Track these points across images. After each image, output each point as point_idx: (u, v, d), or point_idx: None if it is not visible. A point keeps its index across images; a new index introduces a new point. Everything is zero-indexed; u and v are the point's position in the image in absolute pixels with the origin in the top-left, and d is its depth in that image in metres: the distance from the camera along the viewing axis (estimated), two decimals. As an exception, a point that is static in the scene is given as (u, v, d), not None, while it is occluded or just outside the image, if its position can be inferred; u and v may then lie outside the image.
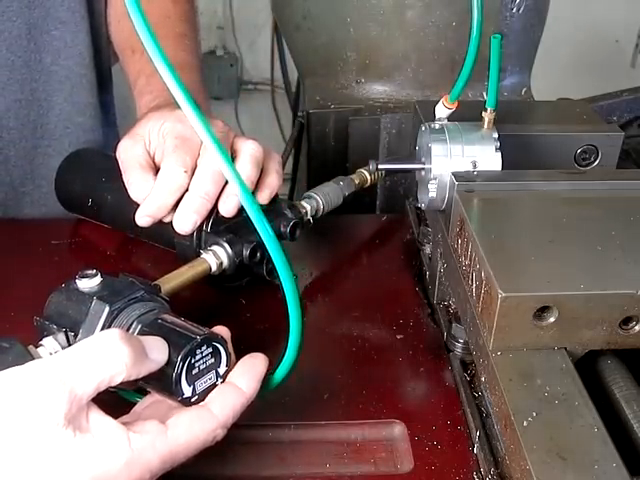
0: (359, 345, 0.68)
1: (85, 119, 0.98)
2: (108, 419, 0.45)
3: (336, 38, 1.15)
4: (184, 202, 0.68)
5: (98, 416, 0.44)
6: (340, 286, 0.79)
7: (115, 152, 0.74)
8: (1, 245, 0.82)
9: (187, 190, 0.68)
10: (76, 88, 0.95)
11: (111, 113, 1.08)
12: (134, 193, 0.71)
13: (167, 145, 0.70)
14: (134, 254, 0.82)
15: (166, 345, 0.48)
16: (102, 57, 1.01)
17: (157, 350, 0.48)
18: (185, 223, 0.68)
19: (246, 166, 0.69)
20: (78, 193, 0.83)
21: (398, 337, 0.69)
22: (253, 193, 0.70)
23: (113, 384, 0.45)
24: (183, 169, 0.68)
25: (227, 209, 0.68)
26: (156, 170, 0.71)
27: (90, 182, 0.82)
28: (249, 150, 0.70)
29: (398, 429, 0.59)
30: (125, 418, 0.50)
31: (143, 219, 0.70)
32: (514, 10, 1.09)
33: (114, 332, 0.46)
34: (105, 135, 1.03)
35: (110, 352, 0.45)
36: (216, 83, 2.60)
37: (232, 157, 0.69)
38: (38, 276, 0.76)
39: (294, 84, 2.06)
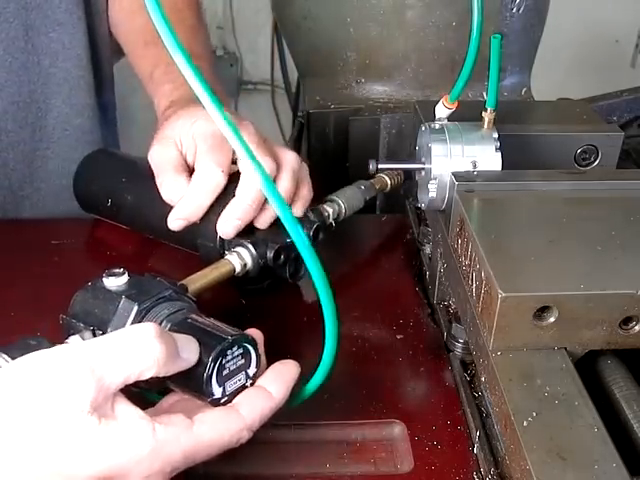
0: (359, 345, 0.68)
1: (84, 120, 0.97)
2: (134, 409, 0.45)
3: (336, 38, 1.14)
4: (231, 207, 0.67)
5: (124, 405, 0.44)
6: (340, 286, 0.78)
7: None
8: (1, 245, 0.82)
9: (224, 192, 0.68)
10: (74, 90, 0.95)
11: (111, 113, 1.08)
12: (166, 194, 0.70)
13: (201, 145, 0.69)
14: (137, 254, 0.82)
15: (197, 345, 0.48)
16: (101, 57, 1.00)
17: (188, 349, 0.48)
18: (229, 227, 0.67)
19: (288, 182, 0.69)
20: (97, 193, 0.82)
21: (398, 337, 0.69)
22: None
23: (142, 378, 0.45)
24: (220, 169, 0.67)
25: (264, 221, 0.68)
26: (189, 171, 0.70)
27: (110, 182, 0.81)
28: (291, 164, 0.70)
29: (398, 429, 0.59)
30: (150, 411, 0.49)
31: (176, 222, 0.69)
32: (514, 10, 1.09)
33: (149, 326, 0.46)
34: (104, 136, 1.03)
35: (143, 346, 0.45)
36: (216, 83, 2.59)
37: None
38: (38, 276, 0.76)
39: (294, 84, 2.06)
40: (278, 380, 0.51)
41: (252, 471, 0.56)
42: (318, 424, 0.59)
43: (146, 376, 0.45)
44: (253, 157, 0.44)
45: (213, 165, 0.67)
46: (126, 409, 0.44)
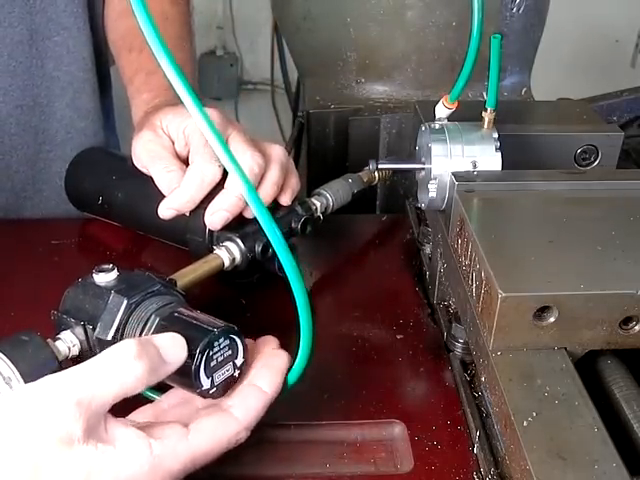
0: (359, 345, 0.68)
1: (87, 124, 0.97)
2: (127, 429, 0.45)
3: (336, 38, 1.14)
4: (219, 199, 0.67)
5: (116, 426, 0.44)
6: (340, 286, 0.79)
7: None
8: (1, 245, 0.82)
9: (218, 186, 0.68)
10: (78, 93, 0.95)
11: (111, 116, 1.08)
12: (167, 182, 0.70)
13: (196, 139, 0.69)
14: (137, 254, 0.82)
15: (184, 342, 0.48)
16: (102, 61, 1.00)
17: (175, 351, 0.48)
18: (217, 219, 0.67)
19: (277, 174, 0.69)
20: (88, 191, 0.83)
21: (398, 337, 0.69)
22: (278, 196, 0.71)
23: (130, 395, 0.45)
24: (217, 164, 0.68)
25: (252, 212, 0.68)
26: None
27: (101, 180, 0.82)
28: (278, 157, 0.71)
29: (398, 429, 0.59)
30: (147, 410, 0.51)
31: (167, 211, 0.70)
32: (514, 10, 1.09)
33: (129, 346, 0.45)
34: (106, 139, 1.03)
35: (123, 368, 0.45)
36: (216, 83, 2.59)
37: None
38: (38, 276, 0.76)
39: (294, 84, 2.06)
40: (270, 373, 0.51)
41: (252, 471, 0.55)
42: (318, 424, 0.59)
43: (134, 393, 0.45)
44: (233, 159, 0.45)
45: (212, 159, 0.68)
46: (120, 430, 0.44)
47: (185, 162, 0.71)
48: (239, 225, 0.69)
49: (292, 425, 0.59)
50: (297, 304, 0.49)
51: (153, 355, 0.46)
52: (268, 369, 0.51)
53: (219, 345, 0.50)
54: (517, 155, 0.68)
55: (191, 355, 0.48)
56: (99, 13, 0.96)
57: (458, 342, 0.65)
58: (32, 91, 0.91)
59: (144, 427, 0.46)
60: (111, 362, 0.45)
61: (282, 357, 0.52)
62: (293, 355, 0.53)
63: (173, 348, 0.48)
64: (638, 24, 2.47)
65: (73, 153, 0.89)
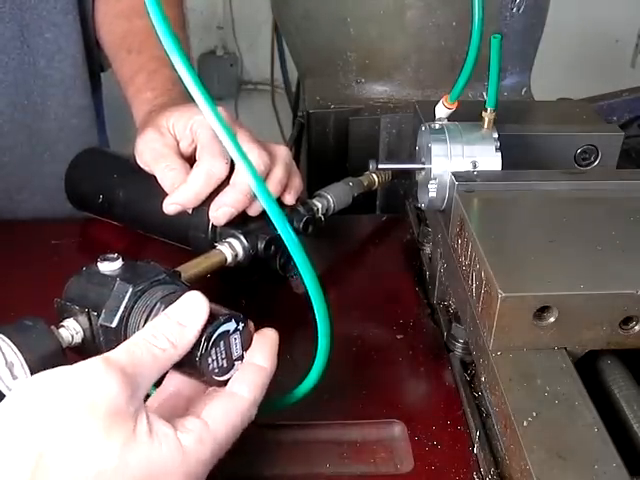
0: (359, 345, 0.68)
1: (79, 121, 0.97)
2: (161, 423, 0.44)
3: (336, 38, 1.14)
4: (225, 195, 0.68)
5: (153, 418, 0.44)
6: (340, 286, 0.79)
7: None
8: (1, 245, 0.82)
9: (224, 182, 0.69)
10: (70, 91, 0.95)
11: (101, 114, 1.08)
12: (171, 180, 0.70)
13: (204, 135, 0.70)
14: (137, 254, 0.82)
15: (198, 301, 0.49)
16: (92, 58, 1.00)
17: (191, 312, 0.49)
18: (221, 215, 0.68)
19: (281, 173, 0.70)
20: (88, 191, 0.83)
21: (398, 337, 0.69)
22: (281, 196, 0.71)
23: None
24: (224, 160, 0.68)
25: (256, 209, 0.69)
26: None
27: (101, 179, 0.82)
28: (283, 157, 0.71)
29: (398, 429, 0.59)
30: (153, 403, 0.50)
31: (172, 207, 0.70)
32: (514, 10, 1.09)
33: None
34: (97, 136, 1.02)
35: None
36: (216, 83, 2.59)
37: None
38: (38, 276, 0.76)
39: (294, 84, 2.05)
40: (263, 350, 0.51)
41: (252, 471, 0.56)
42: (318, 424, 0.59)
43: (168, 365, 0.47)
44: (243, 154, 0.45)
45: (219, 156, 0.68)
46: (158, 425, 0.44)
47: (189, 161, 0.72)
48: (242, 222, 0.69)
49: (292, 425, 0.59)
50: (310, 294, 0.49)
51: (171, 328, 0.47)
52: (262, 347, 0.51)
53: (225, 332, 0.50)
54: (517, 155, 0.68)
55: (197, 342, 0.48)
56: (89, 11, 0.96)
57: (458, 342, 0.65)
58: (25, 89, 0.91)
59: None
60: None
61: (271, 334, 0.52)
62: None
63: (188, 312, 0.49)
64: (638, 24, 2.47)
65: (66, 152, 0.89)
